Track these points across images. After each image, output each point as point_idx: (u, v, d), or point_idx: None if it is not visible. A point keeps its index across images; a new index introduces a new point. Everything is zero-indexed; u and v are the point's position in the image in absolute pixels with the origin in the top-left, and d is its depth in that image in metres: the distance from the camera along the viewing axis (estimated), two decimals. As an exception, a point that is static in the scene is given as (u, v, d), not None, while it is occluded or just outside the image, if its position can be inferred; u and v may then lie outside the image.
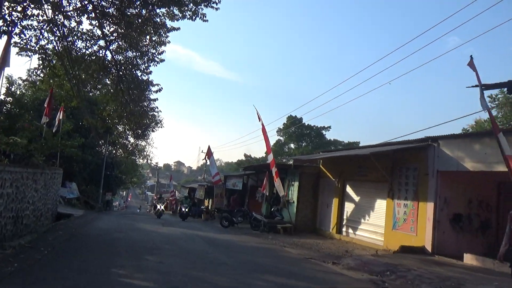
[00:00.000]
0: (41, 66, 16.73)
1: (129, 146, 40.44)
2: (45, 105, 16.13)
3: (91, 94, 26.69)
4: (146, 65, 16.53)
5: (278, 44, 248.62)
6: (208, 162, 28.31)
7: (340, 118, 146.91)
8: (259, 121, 19.11)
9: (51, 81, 19.15)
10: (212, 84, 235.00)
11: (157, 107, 13.74)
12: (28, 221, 12.78)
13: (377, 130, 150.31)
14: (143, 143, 42.63)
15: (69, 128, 19.25)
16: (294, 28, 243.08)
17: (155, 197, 50.23)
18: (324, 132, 65.51)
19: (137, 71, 16.57)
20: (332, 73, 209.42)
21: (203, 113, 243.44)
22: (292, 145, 67.69)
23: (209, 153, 27.72)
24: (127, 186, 63.61)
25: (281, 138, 66.48)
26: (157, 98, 18.44)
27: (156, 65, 16.47)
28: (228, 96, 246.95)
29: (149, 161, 61.01)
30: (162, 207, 24.73)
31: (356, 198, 16.58)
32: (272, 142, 61.57)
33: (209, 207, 34.31)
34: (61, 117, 19.41)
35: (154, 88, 17.63)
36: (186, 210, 23.88)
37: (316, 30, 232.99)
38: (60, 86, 22.56)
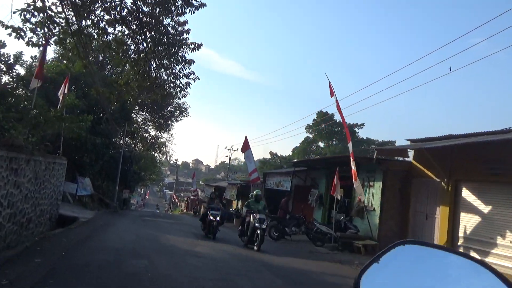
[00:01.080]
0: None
1: (150, 139, 35.56)
2: (37, 63, 11.18)
3: (101, 58, 21.84)
4: (180, 11, 11.41)
5: (304, 43, 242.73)
6: (244, 157, 23.22)
7: (370, 117, 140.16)
8: (332, 96, 13.79)
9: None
10: (232, 84, 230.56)
11: (192, 73, 9.23)
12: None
13: (409, 129, 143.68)
14: (164, 136, 37.75)
15: (74, 101, 14.35)
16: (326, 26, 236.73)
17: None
18: (356, 129, 59.59)
19: (166, 20, 11.44)
20: (359, 74, 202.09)
21: (221, 112, 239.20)
22: (321, 143, 62.22)
23: (245, 146, 22.53)
24: (145, 183, 59.08)
25: (310, 135, 60.97)
26: (193, 61, 12.76)
27: (193, 12, 11.34)
28: (247, 95, 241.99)
29: (168, 157, 56.44)
30: (218, 218, 13.66)
31: (483, 208, 11.11)
32: (299, 139, 57.02)
33: (239, 210, 29.23)
34: (65, 91, 14.55)
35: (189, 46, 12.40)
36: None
37: (346, 31, 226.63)
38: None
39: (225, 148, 51.50)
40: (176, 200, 73.56)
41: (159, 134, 34.10)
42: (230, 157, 52.70)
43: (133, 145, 40.65)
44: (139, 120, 33.18)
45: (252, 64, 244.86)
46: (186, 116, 30.63)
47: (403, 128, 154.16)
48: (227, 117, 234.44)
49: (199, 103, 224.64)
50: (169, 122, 30.51)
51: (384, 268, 1.43)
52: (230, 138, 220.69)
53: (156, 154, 50.00)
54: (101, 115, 21.20)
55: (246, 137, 22.37)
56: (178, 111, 29.87)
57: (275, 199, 23.17)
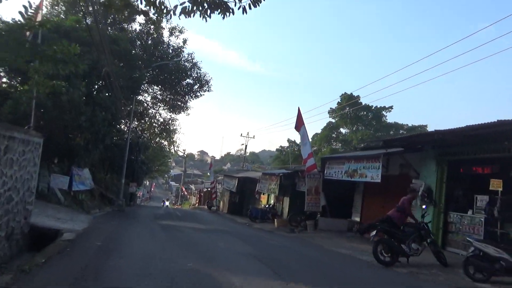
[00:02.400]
0: None
1: (161, 123, 29.10)
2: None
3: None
4: None
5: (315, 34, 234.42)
6: (299, 137, 17.12)
7: (398, 100, 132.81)
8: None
9: None
10: (235, 75, 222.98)
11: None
12: None
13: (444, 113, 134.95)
14: (178, 118, 31.07)
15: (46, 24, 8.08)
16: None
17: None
18: (384, 113, 53.24)
19: None
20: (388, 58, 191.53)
21: (225, 103, 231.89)
22: (342, 130, 55.79)
23: (299, 121, 16.32)
24: (153, 175, 52.96)
25: (332, 120, 54.54)
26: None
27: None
28: (252, 86, 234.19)
29: (175, 148, 50.17)
30: None
31: None
32: (321, 125, 50.87)
33: (275, 207, 23.12)
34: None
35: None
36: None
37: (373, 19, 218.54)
38: None
39: (241, 135, 44.93)
40: (186, 193, 67.44)
41: (173, 116, 27.70)
42: (246, 145, 46.53)
43: (140, 131, 34.36)
44: (149, 99, 26.89)
45: (256, 55, 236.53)
46: (208, 91, 24.27)
47: (434, 112, 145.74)
48: (231, 108, 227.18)
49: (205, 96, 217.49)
50: (187, 98, 24.30)
51: None
52: (235, 128, 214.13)
53: (165, 142, 43.88)
54: (101, 75, 14.77)
55: (299, 109, 16.15)
56: (198, 84, 23.59)
57: (338, 195, 16.98)
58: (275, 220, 19.38)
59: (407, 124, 52.98)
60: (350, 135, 51.38)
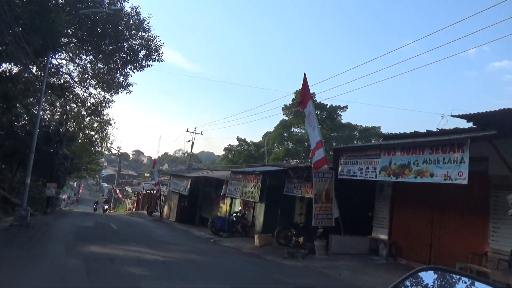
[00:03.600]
0: None
1: (92, 103, 21.81)
2: None
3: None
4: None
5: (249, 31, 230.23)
6: (306, 121, 11.68)
7: (351, 101, 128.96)
8: None
9: None
10: (173, 74, 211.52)
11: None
12: None
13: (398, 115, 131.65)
14: (112, 104, 23.92)
15: None
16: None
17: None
18: (340, 112, 50.08)
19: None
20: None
21: (162, 102, 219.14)
22: (294, 129, 51.59)
23: (306, 95, 10.95)
24: (80, 174, 44.13)
25: (286, 117, 50.17)
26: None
27: None
28: (191, 86, 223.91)
29: (108, 144, 42.08)
30: None
31: None
32: (274, 122, 45.56)
33: (245, 216, 17.47)
34: None
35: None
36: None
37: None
38: None
39: (187, 130, 38.54)
40: (120, 196, 58.75)
41: (108, 97, 20.54)
42: (193, 142, 40.10)
43: (64, 118, 26.56)
44: (75, 73, 19.64)
45: (194, 55, 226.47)
46: (158, 60, 17.56)
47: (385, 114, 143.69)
48: (169, 108, 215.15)
49: (139, 93, 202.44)
50: (128, 69, 17.56)
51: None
52: (173, 128, 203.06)
53: (96, 136, 35.91)
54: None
55: (305, 75, 10.73)
56: (144, 51, 16.99)
57: (352, 203, 11.79)
58: (256, 236, 13.72)
59: (361, 125, 50.33)
60: (305, 134, 47.32)
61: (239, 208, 18.43)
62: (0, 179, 19.89)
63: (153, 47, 16.73)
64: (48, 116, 26.34)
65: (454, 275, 1.60)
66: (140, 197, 39.63)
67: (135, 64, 16.90)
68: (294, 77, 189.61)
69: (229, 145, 51.04)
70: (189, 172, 26.02)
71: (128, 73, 17.63)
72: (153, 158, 29.18)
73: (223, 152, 54.12)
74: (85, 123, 33.56)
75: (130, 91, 18.35)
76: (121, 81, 18.13)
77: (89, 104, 19.70)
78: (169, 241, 13.13)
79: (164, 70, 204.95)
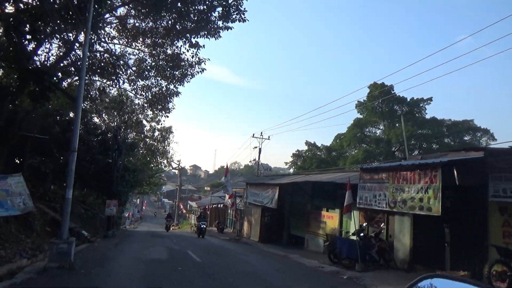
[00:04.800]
0: None
1: (154, 93, 17.05)
2: None
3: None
4: None
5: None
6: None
7: (433, 92, 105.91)
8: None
9: None
10: (222, 89, 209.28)
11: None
12: None
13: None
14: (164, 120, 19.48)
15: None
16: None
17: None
18: (423, 106, 42.61)
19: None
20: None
21: (215, 117, 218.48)
22: (372, 128, 44.63)
23: None
24: (143, 190, 40.70)
25: (360, 115, 43.63)
26: None
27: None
28: (240, 100, 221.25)
29: (169, 158, 38.25)
30: None
31: None
32: (348, 121, 39.25)
33: (380, 235, 11.66)
34: None
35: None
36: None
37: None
38: None
39: (253, 136, 33.01)
40: (184, 211, 55.08)
41: (172, 89, 15.70)
42: (260, 148, 34.88)
43: (120, 123, 22.61)
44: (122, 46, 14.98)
45: (240, 70, 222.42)
46: (240, 21, 12.30)
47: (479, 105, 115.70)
48: (220, 122, 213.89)
49: (192, 109, 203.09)
50: (202, 35, 12.69)
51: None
52: (227, 142, 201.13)
53: (157, 145, 32.05)
54: None
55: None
56: (222, 8, 12.14)
57: None
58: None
59: (449, 120, 42.24)
60: (387, 132, 40.40)
61: (364, 224, 12.59)
62: (51, 198, 15.87)
63: (232, 2, 11.67)
64: (105, 122, 22.45)
65: (457, 282, 1.63)
66: (208, 212, 35.00)
67: (209, 26, 11.84)
68: (361, 77, 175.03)
69: (297, 150, 45.43)
70: (272, 179, 20.65)
71: (197, 45, 12.61)
72: (225, 166, 24.18)
73: (289, 159, 48.31)
74: (145, 132, 29.79)
75: (203, 69, 13.35)
76: (190, 60, 13.22)
77: (150, 96, 15.01)
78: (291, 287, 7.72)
79: (215, 85, 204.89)
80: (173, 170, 74.91)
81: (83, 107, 20.08)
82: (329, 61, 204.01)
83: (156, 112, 15.52)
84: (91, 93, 19.03)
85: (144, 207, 70.12)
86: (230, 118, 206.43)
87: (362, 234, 11.65)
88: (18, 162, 15.03)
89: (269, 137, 36.36)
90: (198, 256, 11.25)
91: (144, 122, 29.60)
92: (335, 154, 44.75)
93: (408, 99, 42.56)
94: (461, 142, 39.41)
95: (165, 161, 37.99)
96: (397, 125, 42.09)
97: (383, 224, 11.81)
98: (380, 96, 39.56)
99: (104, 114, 24.17)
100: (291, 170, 46.31)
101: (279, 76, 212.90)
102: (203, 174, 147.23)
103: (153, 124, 28.19)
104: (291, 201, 19.07)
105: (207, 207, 36.50)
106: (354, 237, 12.27)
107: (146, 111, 21.76)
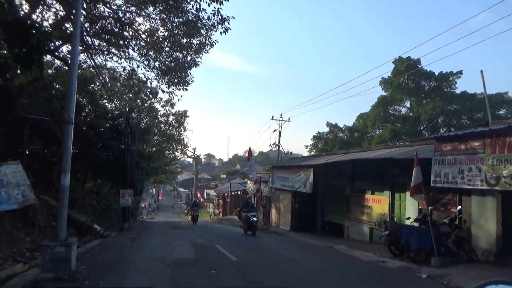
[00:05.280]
0: None
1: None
2: None
3: None
4: None
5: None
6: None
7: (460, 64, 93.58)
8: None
9: None
10: (234, 77, 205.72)
11: None
12: None
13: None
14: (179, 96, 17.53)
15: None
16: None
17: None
18: (452, 79, 39.48)
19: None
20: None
21: (228, 106, 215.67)
22: (396, 106, 41.80)
23: None
24: (159, 178, 39.03)
25: (385, 93, 40.83)
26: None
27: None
28: (249, 88, 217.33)
29: (183, 147, 36.40)
30: None
31: None
32: (369, 102, 36.77)
33: (455, 220, 9.40)
34: None
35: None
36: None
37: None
38: None
39: (272, 118, 30.53)
40: (201, 200, 53.47)
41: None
42: (280, 131, 32.56)
43: (133, 106, 20.62)
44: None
45: (252, 57, 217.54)
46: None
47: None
48: (233, 110, 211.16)
49: (205, 99, 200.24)
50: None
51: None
52: (240, 129, 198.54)
53: (173, 131, 30.11)
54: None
55: None
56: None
57: None
58: None
59: (482, 93, 39.00)
60: (414, 110, 37.63)
61: (429, 208, 10.30)
62: (58, 188, 14.04)
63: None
64: (116, 107, 20.46)
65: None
66: (228, 200, 33.10)
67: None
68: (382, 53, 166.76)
69: (318, 132, 43.06)
70: (304, 160, 18.45)
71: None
72: (248, 149, 21.85)
73: (308, 143, 45.95)
74: (159, 117, 27.83)
75: (227, 29, 11.04)
76: (211, 19, 10.97)
77: (164, 67, 12.84)
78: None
79: (226, 72, 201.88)
80: (188, 159, 73.25)
81: (92, 90, 18.16)
82: (351, 39, 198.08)
83: (172, 87, 13.29)
84: (103, 76, 17.05)
85: (159, 197, 68.89)
86: (243, 105, 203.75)
87: (428, 221, 9.39)
88: (21, 150, 13.24)
89: (289, 118, 33.91)
90: (231, 253, 9.20)
91: (158, 106, 27.71)
92: (357, 135, 42.22)
93: (436, 74, 39.43)
94: (495, 116, 36.38)
95: (180, 149, 36.24)
96: (423, 101, 39.21)
97: (459, 207, 9.50)
98: (407, 71, 36.57)
99: (116, 100, 22.22)
100: (312, 153, 44.02)
101: (298, 61, 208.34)
102: (218, 163, 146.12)
103: (167, 108, 26.24)
104: (325, 184, 16.91)
105: (226, 194, 34.57)
106: (415, 224, 10.10)
107: (159, 85, 19.41)
